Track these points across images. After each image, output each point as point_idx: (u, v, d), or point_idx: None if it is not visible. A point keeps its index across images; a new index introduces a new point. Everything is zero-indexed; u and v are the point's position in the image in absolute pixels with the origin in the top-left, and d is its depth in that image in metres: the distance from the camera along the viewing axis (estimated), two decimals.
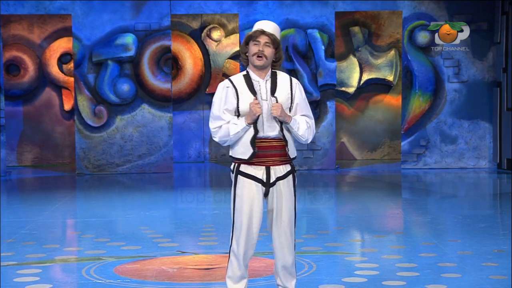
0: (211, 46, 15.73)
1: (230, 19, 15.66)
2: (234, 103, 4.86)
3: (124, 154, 14.04)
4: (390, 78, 15.83)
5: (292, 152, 4.92)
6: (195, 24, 15.71)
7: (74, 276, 6.50)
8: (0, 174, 13.63)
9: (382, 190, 11.99)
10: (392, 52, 15.79)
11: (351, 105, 15.94)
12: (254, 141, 4.83)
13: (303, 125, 4.89)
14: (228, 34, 15.71)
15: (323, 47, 14.18)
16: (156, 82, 14.08)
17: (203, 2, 14.30)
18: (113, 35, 13.93)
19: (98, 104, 13.98)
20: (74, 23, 13.84)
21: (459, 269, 6.50)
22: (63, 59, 15.56)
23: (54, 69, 15.55)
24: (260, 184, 4.87)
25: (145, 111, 14.05)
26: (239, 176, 4.89)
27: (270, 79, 4.91)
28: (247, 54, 4.91)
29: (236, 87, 4.88)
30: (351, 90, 15.86)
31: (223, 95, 4.89)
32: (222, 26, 15.72)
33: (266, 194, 4.91)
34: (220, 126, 4.88)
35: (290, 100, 4.90)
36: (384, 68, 15.83)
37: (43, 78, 15.57)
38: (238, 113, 4.86)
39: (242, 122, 4.83)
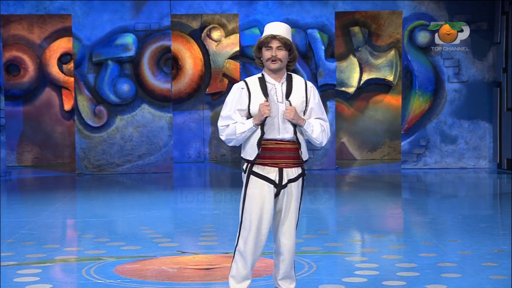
0: (211, 46, 15.73)
1: (230, 19, 15.66)
2: (246, 104, 4.89)
3: (124, 154, 14.04)
4: (390, 78, 15.83)
5: (304, 154, 4.96)
6: (195, 24, 15.71)
7: (74, 276, 6.50)
8: (0, 174, 13.63)
9: (382, 190, 11.99)
10: (392, 52, 15.79)
11: (351, 105, 15.94)
12: (260, 142, 4.87)
13: (317, 128, 4.94)
14: (228, 34, 15.71)
15: (323, 47, 14.18)
16: (156, 82, 14.08)
17: (203, 2, 14.30)
18: (113, 35, 13.93)
19: (98, 104, 13.98)
20: (74, 23, 13.84)
21: (459, 269, 6.50)
22: (63, 59, 15.56)
23: (54, 69, 15.55)
24: (272, 185, 4.90)
25: (145, 111, 14.05)
26: (251, 176, 4.93)
27: (286, 82, 4.94)
28: (261, 59, 4.94)
29: (250, 89, 4.92)
30: (351, 90, 15.86)
31: (237, 96, 4.94)
32: (222, 26, 15.72)
33: (276, 195, 4.94)
34: (228, 125, 4.92)
35: (305, 104, 4.95)
36: (384, 68, 15.83)
37: (43, 78, 15.57)
38: (249, 114, 4.90)
39: (249, 123, 4.87)
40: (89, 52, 13.91)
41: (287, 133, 4.89)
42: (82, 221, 9.41)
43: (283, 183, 4.92)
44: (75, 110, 14.08)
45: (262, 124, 4.86)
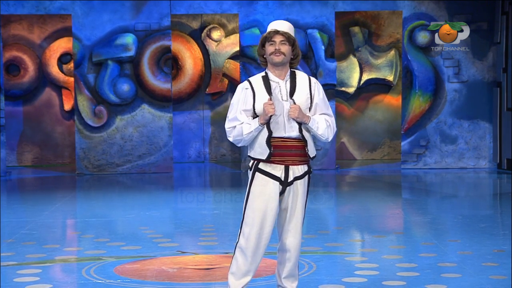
0: (211, 46, 15.73)
1: (230, 19, 15.65)
2: (251, 104, 4.89)
3: (124, 154, 14.04)
4: (390, 78, 15.83)
5: (311, 151, 4.97)
6: (195, 24, 15.71)
7: (74, 276, 6.50)
8: (0, 174, 13.63)
9: (382, 190, 11.99)
10: (392, 52, 15.79)
11: (351, 105, 15.94)
12: (269, 141, 4.87)
13: (323, 124, 4.93)
14: (228, 34, 15.71)
15: (323, 47, 14.18)
16: (156, 82, 14.08)
17: (203, 2, 14.30)
18: (113, 35, 13.93)
19: (98, 104, 13.98)
20: (74, 23, 13.84)
21: (459, 269, 6.50)
22: (63, 59, 15.56)
23: (54, 69, 15.55)
24: (277, 183, 4.90)
25: (145, 111, 14.05)
26: (257, 173, 4.92)
27: (289, 80, 4.94)
28: (264, 56, 4.96)
29: (254, 88, 4.92)
30: (351, 90, 15.86)
31: (241, 97, 4.94)
32: (222, 26, 15.72)
33: (281, 193, 4.94)
34: (235, 126, 4.92)
35: (309, 100, 4.95)
36: (384, 68, 15.83)
37: (43, 78, 15.57)
38: (254, 114, 4.90)
39: (255, 123, 4.87)
40: (89, 52, 13.91)
41: (293, 131, 4.90)
42: (82, 221, 9.41)
43: (289, 180, 4.92)
44: (75, 110, 14.08)
45: (268, 123, 4.87)
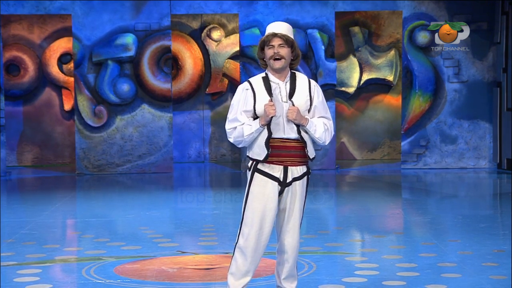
0: (211, 46, 15.73)
1: (230, 19, 15.65)
2: (252, 104, 4.89)
3: (124, 154, 14.04)
4: (390, 78, 15.83)
5: (311, 152, 4.97)
6: (195, 24, 15.71)
7: (74, 276, 6.50)
8: (0, 174, 13.63)
9: (382, 190, 11.99)
10: (392, 52, 15.79)
11: (351, 105, 15.94)
12: (268, 142, 4.88)
13: (320, 128, 4.94)
14: (228, 34, 15.71)
15: (323, 47, 14.18)
16: (156, 82, 14.08)
17: (203, 2, 14.30)
18: (113, 35, 13.93)
19: (98, 104, 13.98)
20: (74, 23, 13.85)
21: (459, 269, 6.50)
22: (63, 59, 15.56)
23: (54, 69, 15.55)
24: (276, 183, 4.90)
25: (145, 111, 14.05)
26: (255, 173, 4.93)
27: (289, 81, 4.94)
28: (264, 60, 4.95)
29: (254, 89, 4.92)
30: (351, 90, 15.85)
31: (242, 97, 4.94)
32: (222, 26, 15.72)
33: (280, 193, 4.94)
34: (235, 128, 4.92)
35: (309, 103, 4.95)
36: (384, 68, 15.83)
37: (43, 78, 15.56)
38: (255, 115, 4.90)
39: (256, 124, 4.87)
40: (89, 52, 13.91)
41: (292, 132, 4.90)
42: (82, 221, 9.41)
43: (288, 181, 4.92)
44: (75, 110, 14.08)
45: (268, 124, 4.87)
